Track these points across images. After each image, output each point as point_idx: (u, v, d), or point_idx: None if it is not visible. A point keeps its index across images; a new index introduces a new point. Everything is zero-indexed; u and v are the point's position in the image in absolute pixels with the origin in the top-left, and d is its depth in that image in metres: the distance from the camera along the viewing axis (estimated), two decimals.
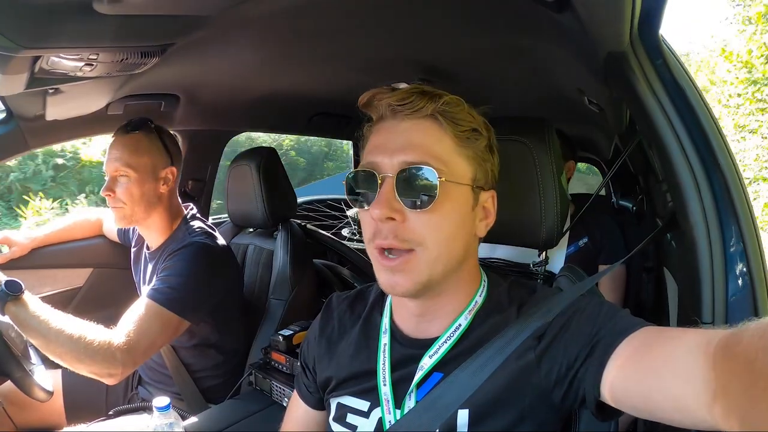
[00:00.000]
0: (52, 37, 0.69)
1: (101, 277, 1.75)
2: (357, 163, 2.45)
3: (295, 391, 0.92)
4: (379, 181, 0.64)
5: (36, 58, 0.76)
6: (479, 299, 0.73)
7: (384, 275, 0.66)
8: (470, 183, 0.68)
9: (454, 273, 0.69)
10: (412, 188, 0.63)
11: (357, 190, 0.68)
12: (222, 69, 1.36)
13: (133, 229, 1.56)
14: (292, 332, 1.35)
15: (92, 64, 0.82)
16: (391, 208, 0.63)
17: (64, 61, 0.79)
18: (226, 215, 1.81)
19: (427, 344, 0.71)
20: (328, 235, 2.00)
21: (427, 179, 0.63)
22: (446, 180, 0.64)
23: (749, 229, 0.76)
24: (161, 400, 1.03)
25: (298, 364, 0.91)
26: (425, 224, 0.64)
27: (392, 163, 0.64)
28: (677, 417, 0.51)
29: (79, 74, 0.86)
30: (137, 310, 1.18)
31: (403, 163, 0.64)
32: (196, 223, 1.42)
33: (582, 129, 2.17)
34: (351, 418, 0.75)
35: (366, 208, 0.66)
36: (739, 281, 0.75)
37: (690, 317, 0.79)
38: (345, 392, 0.77)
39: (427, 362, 0.70)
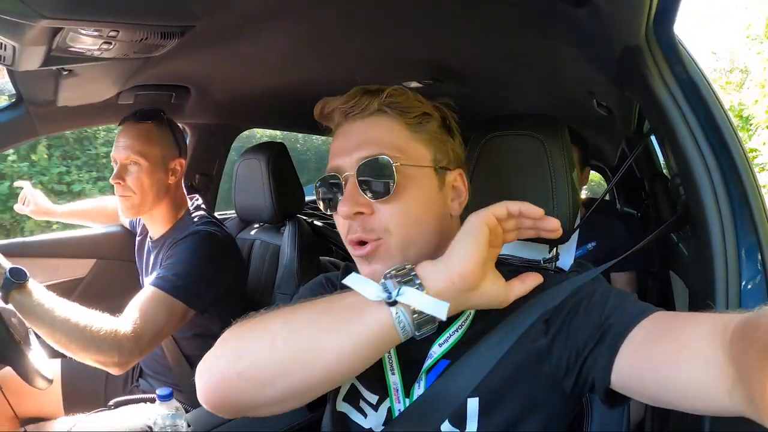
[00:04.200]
0: (75, 8, 0.69)
1: (104, 268, 1.74)
2: None
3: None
4: (343, 182, 0.67)
5: (55, 33, 0.77)
6: None
7: (362, 266, 0.68)
8: (431, 165, 0.69)
9: (434, 255, 0.68)
10: (373, 180, 0.65)
11: (327, 196, 0.70)
12: (234, 63, 1.36)
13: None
14: None
15: (111, 42, 0.82)
16: (357, 203, 0.65)
17: (83, 38, 0.79)
18: (233, 210, 1.80)
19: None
20: (336, 231, 1.99)
21: (383, 167, 0.65)
22: (402, 164, 0.65)
23: (762, 220, 0.76)
24: (164, 390, 1.02)
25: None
26: (392, 212, 0.65)
27: (351, 161, 0.66)
28: (696, 405, 0.51)
29: (96, 53, 0.86)
30: (143, 299, 1.17)
31: (360, 158, 0.65)
32: (201, 213, 1.42)
33: (589, 134, 2.18)
34: (362, 405, 0.74)
35: (336, 210, 0.68)
36: (753, 273, 0.74)
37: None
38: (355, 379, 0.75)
39: (437, 350, 0.69)
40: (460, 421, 0.65)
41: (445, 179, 0.71)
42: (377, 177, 0.65)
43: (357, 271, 0.85)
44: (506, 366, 0.64)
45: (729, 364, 0.45)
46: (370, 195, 0.65)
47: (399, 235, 0.66)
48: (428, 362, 0.68)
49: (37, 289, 1.02)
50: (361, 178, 0.65)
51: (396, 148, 0.66)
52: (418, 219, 0.67)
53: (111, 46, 0.84)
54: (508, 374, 0.65)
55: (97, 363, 1.06)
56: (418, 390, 0.68)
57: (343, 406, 0.75)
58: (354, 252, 0.68)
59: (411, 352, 0.71)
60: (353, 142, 0.68)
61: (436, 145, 0.70)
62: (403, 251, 0.66)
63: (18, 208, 1.66)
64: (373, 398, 0.73)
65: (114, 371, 1.09)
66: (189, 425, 1.08)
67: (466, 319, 0.70)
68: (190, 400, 1.39)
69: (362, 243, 0.66)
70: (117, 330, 1.07)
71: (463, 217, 0.73)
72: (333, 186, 0.69)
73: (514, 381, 0.65)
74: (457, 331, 0.69)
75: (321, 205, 0.72)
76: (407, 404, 0.69)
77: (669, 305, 1.44)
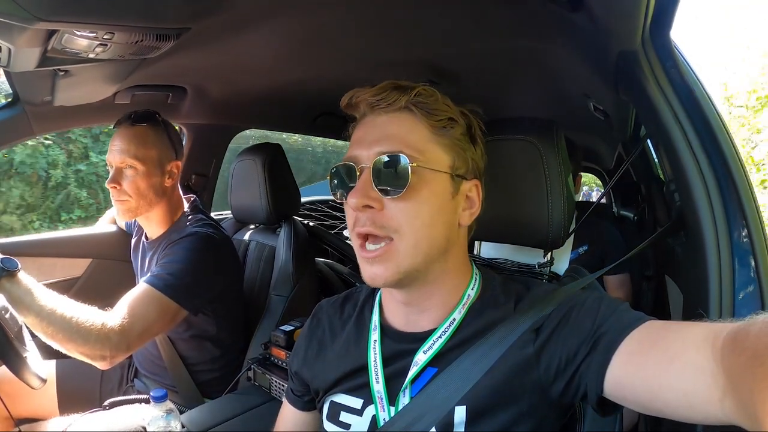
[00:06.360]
0: (70, 10, 0.69)
1: (100, 268, 1.74)
2: None
3: (284, 396, 0.91)
4: (358, 173, 0.66)
5: (51, 35, 0.76)
6: (471, 293, 0.73)
7: (365, 267, 0.67)
8: (448, 171, 0.68)
9: (437, 262, 0.69)
10: (387, 176, 0.64)
11: (340, 184, 0.70)
12: (231, 64, 1.36)
13: None
14: (292, 328, 1.34)
15: (106, 44, 0.82)
16: (368, 196, 0.64)
17: (79, 40, 0.79)
18: (228, 212, 1.80)
19: (419, 338, 0.71)
20: (331, 233, 1.99)
21: (400, 166, 0.64)
22: (419, 166, 0.65)
23: (756, 226, 0.76)
24: (158, 391, 1.01)
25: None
26: (402, 211, 0.65)
27: (369, 154, 0.66)
28: (687, 413, 0.51)
29: (92, 55, 0.86)
30: (134, 295, 1.16)
31: (378, 153, 0.65)
32: (198, 215, 1.42)
33: (586, 138, 2.19)
34: (344, 417, 0.74)
35: (347, 199, 0.68)
36: (747, 278, 0.74)
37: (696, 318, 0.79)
38: (337, 390, 0.76)
39: (421, 357, 0.69)
40: (447, 429, 0.65)
41: (460, 187, 0.70)
42: (391, 174, 0.64)
43: (334, 303, 0.86)
44: (494, 374, 0.64)
45: (720, 373, 0.45)
46: (381, 190, 0.64)
47: (409, 238, 0.65)
48: (413, 371, 0.68)
49: (27, 279, 1.02)
50: (376, 173, 0.65)
51: (415, 149, 0.66)
52: (428, 222, 0.66)
53: (106, 48, 0.84)
54: (496, 383, 0.64)
55: (83, 355, 1.06)
56: (404, 399, 0.68)
57: (328, 426, 0.76)
58: (361, 253, 0.67)
59: (396, 361, 0.71)
60: (374, 134, 0.68)
61: (456, 151, 0.70)
62: (411, 255, 0.65)
63: None
64: (358, 402, 0.73)
65: (100, 365, 1.09)
66: (183, 426, 1.08)
67: (450, 324, 0.70)
68: (185, 401, 1.40)
69: (369, 238, 0.66)
70: (104, 323, 1.07)
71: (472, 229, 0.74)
72: (347, 175, 0.68)
73: (501, 390, 0.65)
74: (440, 337, 0.69)
75: (333, 193, 0.72)
76: (392, 413, 0.69)
77: (664, 309, 1.44)
